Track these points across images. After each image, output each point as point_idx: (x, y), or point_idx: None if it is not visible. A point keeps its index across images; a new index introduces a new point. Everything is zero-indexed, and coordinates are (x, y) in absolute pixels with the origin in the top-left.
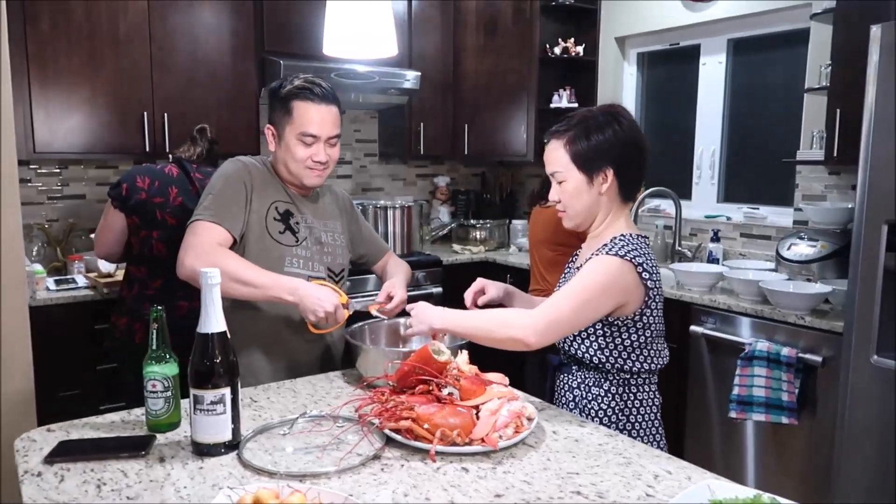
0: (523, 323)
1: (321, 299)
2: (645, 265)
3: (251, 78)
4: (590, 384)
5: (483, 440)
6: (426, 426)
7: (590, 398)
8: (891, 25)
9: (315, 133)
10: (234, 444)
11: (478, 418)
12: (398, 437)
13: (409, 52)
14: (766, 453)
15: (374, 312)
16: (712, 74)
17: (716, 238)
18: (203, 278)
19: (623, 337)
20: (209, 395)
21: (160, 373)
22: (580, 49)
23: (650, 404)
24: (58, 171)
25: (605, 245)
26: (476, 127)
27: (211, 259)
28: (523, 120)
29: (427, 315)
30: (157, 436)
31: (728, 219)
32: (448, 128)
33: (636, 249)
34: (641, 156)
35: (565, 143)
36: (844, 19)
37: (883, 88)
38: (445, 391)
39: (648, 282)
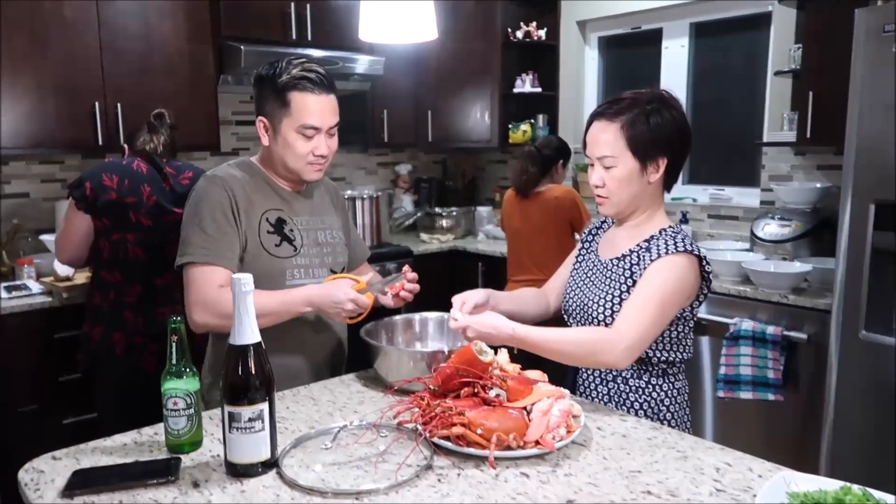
0: (613, 349)
1: (334, 300)
2: (705, 257)
3: (209, 64)
4: (627, 376)
5: (538, 442)
6: (479, 431)
7: (627, 390)
8: (876, 9)
9: (316, 125)
10: (271, 463)
11: (529, 419)
12: (448, 445)
13: None
14: (754, 430)
15: (391, 294)
16: (675, 58)
17: (684, 220)
18: (235, 286)
19: (671, 329)
20: (246, 411)
21: (182, 389)
22: (542, 33)
23: (684, 392)
24: None
25: (655, 239)
26: (439, 113)
27: (220, 308)
28: (487, 105)
29: (500, 325)
30: (182, 457)
31: (694, 200)
32: (411, 114)
33: (691, 241)
34: (689, 146)
35: (621, 127)
36: (816, 2)
37: (868, 70)
38: (492, 393)
39: (710, 274)
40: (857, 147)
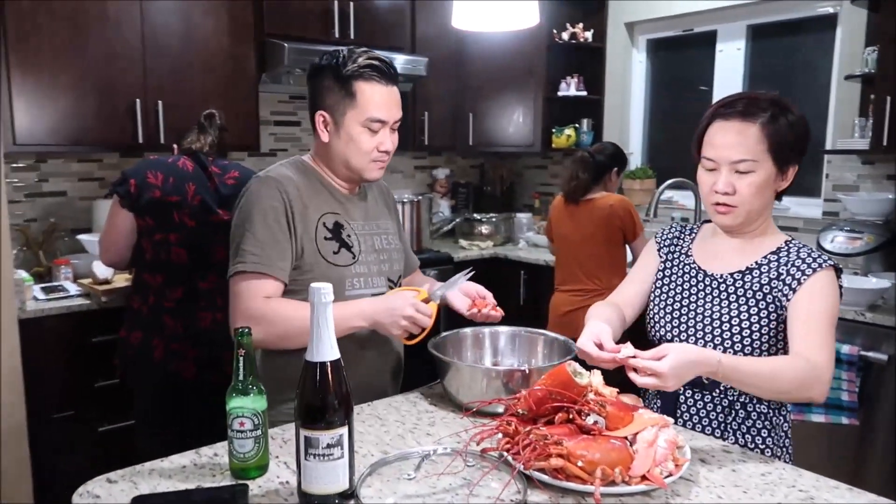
0: (821, 382)
1: (393, 308)
2: (841, 269)
3: (250, 63)
4: (745, 401)
5: (644, 477)
6: (580, 464)
7: (739, 419)
8: None
9: (383, 118)
10: (349, 494)
11: (633, 451)
12: (544, 478)
13: (412, 35)
14: (825, 455)
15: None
16: (730, 61)
17: None
18: (314, 296)
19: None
20: (325, 436)
21: (249, 408)
22: (588, 35)
23: (789, 419)
24: (36, 165)
25: (786, 252)
26: (480, 116)
27: (267, 321)
28: (530, 108)
29: (701, 359)
30: (248, 484)
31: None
32: (452, 117)
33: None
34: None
35: (762, 127)
36: (894, 2)
37: None
38: (590, 420)
39: (842, 288)
40: None
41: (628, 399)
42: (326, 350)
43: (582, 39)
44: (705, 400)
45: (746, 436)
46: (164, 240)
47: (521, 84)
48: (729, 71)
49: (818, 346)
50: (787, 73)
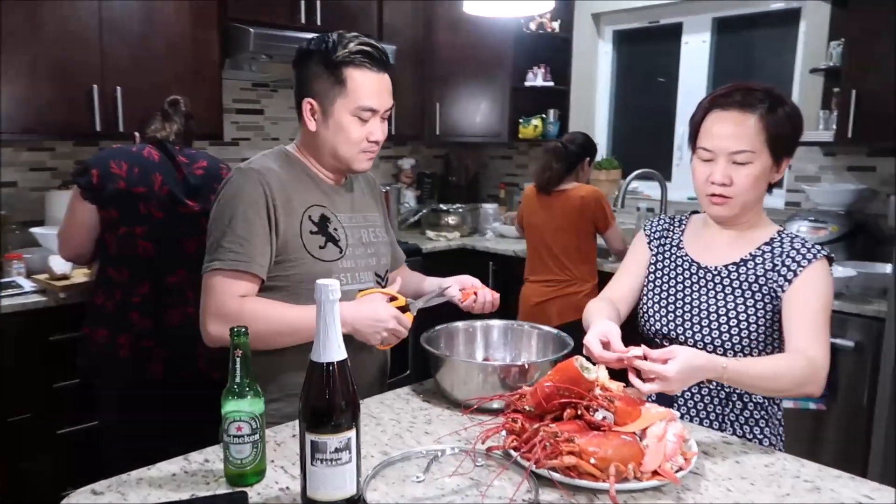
0: (818, 377)
1: (376, 320)
2: (833, 258)
3: (214, 48)
4: (741, 392)
5: (656, 473)
6: (593, 461)
7: (737, 410)
8: None
9: (374, 106)
10: (356, 499)
11: (643, 446)
12: (556, 476)
13: (378, 23)
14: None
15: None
16: (695, 54)
17: None
18: (320, 293)
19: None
20: (333, 440)
21: (247, 412)
22: (556, 25)
23: (782, 407)
24: None
25: (779, 242)
26: (447, 105)
27: (241, 321)
28: (497, 98)
29: (707, 365)
30: (247, 491)
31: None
32: (419, 106)
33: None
34: None
35: (760, 118)
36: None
37: None
38: (598, 415)
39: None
40: None
41: (633, 393)
42: (334, 349)
43: (549, 30)
44: (702, 392)
45: (745, 426)
46: (129, 233)
47: (488, 74)
48: (694, 63)
49: (815, 341)
50: (751, 67)
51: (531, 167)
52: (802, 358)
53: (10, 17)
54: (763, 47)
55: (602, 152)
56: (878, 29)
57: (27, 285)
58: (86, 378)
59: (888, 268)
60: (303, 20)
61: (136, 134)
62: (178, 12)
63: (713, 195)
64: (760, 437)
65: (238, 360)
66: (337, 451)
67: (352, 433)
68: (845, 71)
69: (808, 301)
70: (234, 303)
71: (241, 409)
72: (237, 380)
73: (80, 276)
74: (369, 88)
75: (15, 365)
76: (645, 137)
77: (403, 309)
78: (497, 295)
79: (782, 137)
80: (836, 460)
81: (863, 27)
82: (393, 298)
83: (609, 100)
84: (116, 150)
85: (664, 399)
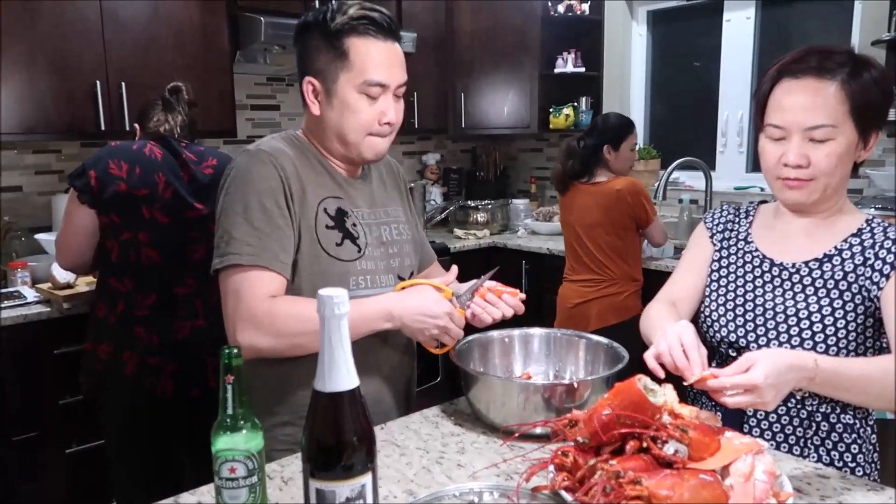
0: None
1: (428, 315)
2: None
3: (223, 38)
4: (827, 411)
5: None
6: None
7: (822, 433)
8: None
9: (383, 81)
10: None
11: (728, 487)
12: None
13: (398, 9)
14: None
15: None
16: (738, 31)
17: None
18: (324, 308)
19: (883, 340)
20: (344, 488)
21: (242, 449)
22: (585, 7)
23: (875, 429)
24: None
25: (870, 233)
26: (472, 96)
27: (276, 325)
28: (525, 87)
29: (798, 362)
30: None
31: (762, 189)
32: (442, 97)
33: None
34: None
35: (842, 85)
36: None
37: None
38: (669, 448)
39: None
40: None
41: (708, 417)
42: (342, 377)
43: (578, 12)
44: (779, 412)
45: (833, 452)
46: (132, 239)
47: (514, 61)
48: (737, 42)
49: None
50: (801, 43)
51: None
52: None
53: (7, 10)
54: (814, 21)
55: (640, 141)
56: None
57: (30, 295)
58: (90, 396)
59: None
60: (316, 7)
61: (137, 126)
62: (184, 1)
63: (787, 178)
64: (853, 464)
65: (230, 387)
66: (348, 500)
67: (366, 478)
68: None
69: None
70: (266, 304)
71: (235, 446)
72: (229, 411)
73: (84, 284)
74: (376, 59)
75: (19, 380)
76: (685, 124)
77: (451, 300)
78: (517, 295)
79: (870, 106)
80: None
81: None
82: (438, 290)
83: (645, 85)
84: (115, 148)
85: (730, 422)
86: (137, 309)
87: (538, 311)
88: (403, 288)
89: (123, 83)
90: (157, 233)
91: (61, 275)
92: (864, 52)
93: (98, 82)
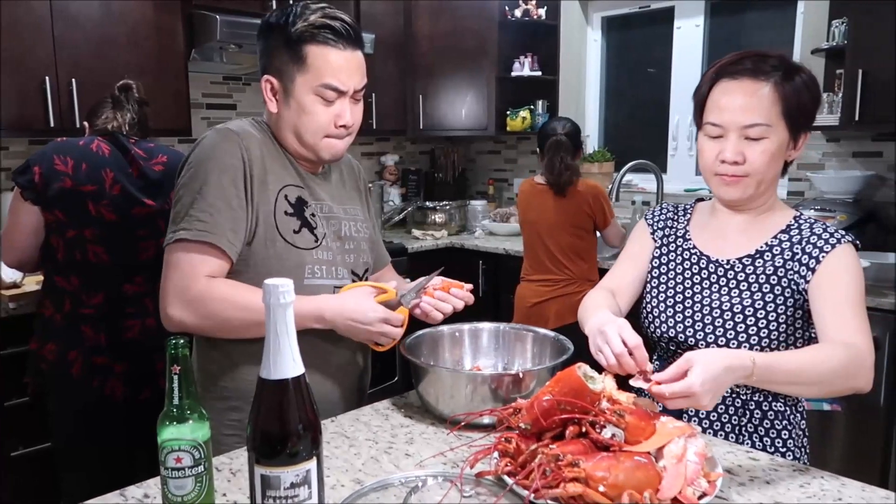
0: (864, 369)
1: (360, 321)
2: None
3: (178, 37)
4: (760, 399)
5: (677, 500)
6: (602, 489)
7: (755, 420)
8: None
9: (339, 86)
10: None
11: (661, 468)
12: None
13: (356, 10)
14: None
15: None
16: (688, 39)
17: None
18: (270, 296)
19: (812, 329)
20: (288, 474)
21: (188, 440)
22: (542, 12)
23: (805, 415)
24: None
25: (799, 229)
26: (431, 97)
27: (206, 307)
28: (483, 89)
29: (736, 362)
30: None
31: (710, 191)
32: (401, 98)
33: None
34: None
35: (775, 86)
36: None
37: None
38: (607, 433)
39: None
40: None
41: (646, 405)
42: (287, 364)
43: (535, 17)
44: (734, 405)
45: (765, 438)
46: (78, 236)
47: (473, 64)
48: (687, 49)
49: (854, 329)
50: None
51: (520, 161)
52: (842, 346)
53: None
54: (759, 30)
55: (594, 143)
56: (884, 3)
57: None
58: (35, 398)
59: None
60: (274, 7)
61: (86, 124)
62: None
63: (724, 175)
64: (783, 449)
65: (176, 377)
66: (293, 486)
67: (311, 464)
68: (850, 49)
69: (837, 287)
70: (201, 283)
71: (181, 436)
72: (175, 401)
73: (32, 283)
74: (333, 67)
75: None
76: (638, 127)
77: (395, 305)
78: (465, 289)
79: (801, 108)
80: (850, 464)
81: (868, 2)
82: (382, 292)
83: (600, 89)
84: (61, 144)
85: (670, 411)
86: (84, 307)
87: (496, 311)
88: (349, 289)
89: (74, 80)
90: (105, 230)
91: (7, 274)
92: (804, 60)
93: (47, 78)
